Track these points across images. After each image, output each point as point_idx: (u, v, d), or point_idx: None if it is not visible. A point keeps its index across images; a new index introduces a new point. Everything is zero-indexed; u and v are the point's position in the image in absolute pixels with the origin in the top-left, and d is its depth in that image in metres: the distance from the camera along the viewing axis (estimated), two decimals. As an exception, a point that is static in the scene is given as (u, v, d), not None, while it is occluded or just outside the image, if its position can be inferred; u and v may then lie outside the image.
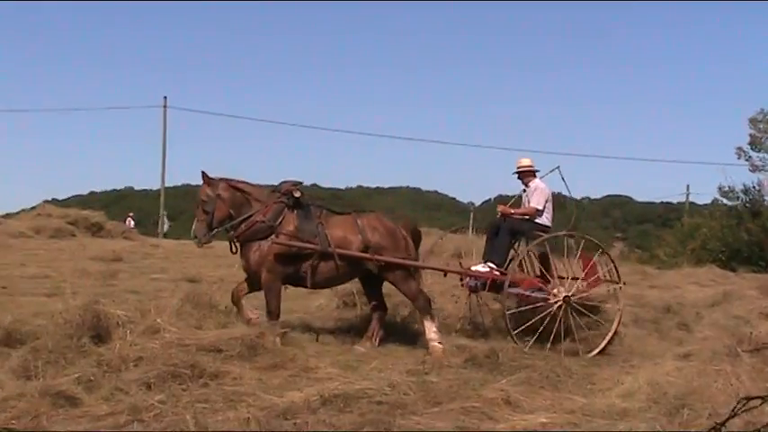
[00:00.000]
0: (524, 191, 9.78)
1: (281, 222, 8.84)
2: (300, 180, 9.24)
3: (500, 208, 9.64)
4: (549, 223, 9.56)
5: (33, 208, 27.20)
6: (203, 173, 9.02)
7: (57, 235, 21.34)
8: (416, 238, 9.38)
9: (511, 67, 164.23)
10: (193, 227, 9.13)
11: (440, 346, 8.63)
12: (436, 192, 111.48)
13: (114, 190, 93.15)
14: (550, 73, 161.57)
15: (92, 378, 6.50)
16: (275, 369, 7.37)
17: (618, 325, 9.18)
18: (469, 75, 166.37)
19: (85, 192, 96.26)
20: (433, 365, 7.72)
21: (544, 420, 5.97)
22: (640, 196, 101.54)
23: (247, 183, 9.22)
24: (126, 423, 5.55)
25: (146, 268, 16.53)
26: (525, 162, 9.72)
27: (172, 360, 6.83)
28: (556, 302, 8.87)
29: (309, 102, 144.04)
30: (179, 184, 72.65)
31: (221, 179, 9.05)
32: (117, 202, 77.35)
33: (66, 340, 7.34)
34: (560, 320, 8.83)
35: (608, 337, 9.03)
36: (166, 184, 43.44)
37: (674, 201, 64.33)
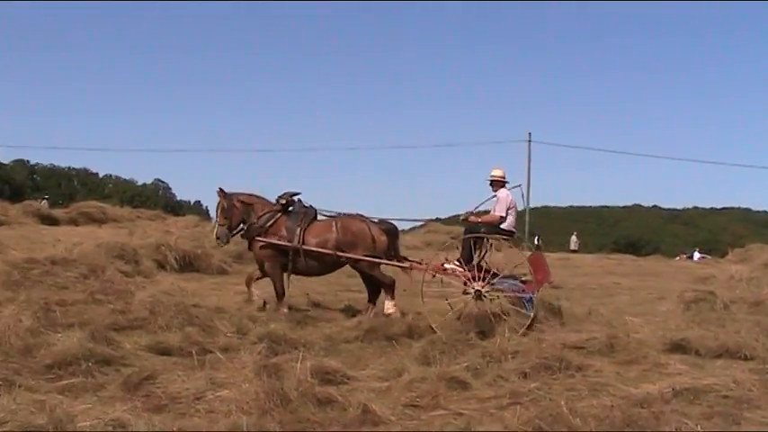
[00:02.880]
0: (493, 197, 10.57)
1: (273, 224, 10.67)
2: (298, 191, 11.00)
3: (471, 218, 10.55)
4: (510, 228, 10.38)
5: (422, 226, 30.28)
6: (220, 189, 10.91)
7: (443, 248, 23.45)
8: (392, 237, 10.93)
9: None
10: (215, 230, 11.05)
11: (393, 309, 10.28)
12: (764, 211, 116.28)
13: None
14: None
15: (478, 367, 7.61)
16: (630, 364, 8.14)
17: (535, 310, 9.67)
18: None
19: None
20: None
21: None
22: None
23: (254, 195, 11.04)
24: (507, 405, 6.39)
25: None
26: (497, 173, 10.58)
27: (543, 354, 7.79)
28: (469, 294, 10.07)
29: (651, 133, 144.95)
30: (539, 205, 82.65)
31: (234, 193, 10.91)
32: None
33: (456, 334, 8.78)
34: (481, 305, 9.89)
35: (530, 320, 9.54)
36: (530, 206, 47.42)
37: None
